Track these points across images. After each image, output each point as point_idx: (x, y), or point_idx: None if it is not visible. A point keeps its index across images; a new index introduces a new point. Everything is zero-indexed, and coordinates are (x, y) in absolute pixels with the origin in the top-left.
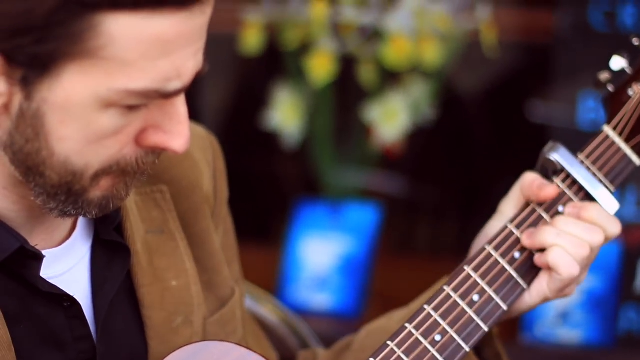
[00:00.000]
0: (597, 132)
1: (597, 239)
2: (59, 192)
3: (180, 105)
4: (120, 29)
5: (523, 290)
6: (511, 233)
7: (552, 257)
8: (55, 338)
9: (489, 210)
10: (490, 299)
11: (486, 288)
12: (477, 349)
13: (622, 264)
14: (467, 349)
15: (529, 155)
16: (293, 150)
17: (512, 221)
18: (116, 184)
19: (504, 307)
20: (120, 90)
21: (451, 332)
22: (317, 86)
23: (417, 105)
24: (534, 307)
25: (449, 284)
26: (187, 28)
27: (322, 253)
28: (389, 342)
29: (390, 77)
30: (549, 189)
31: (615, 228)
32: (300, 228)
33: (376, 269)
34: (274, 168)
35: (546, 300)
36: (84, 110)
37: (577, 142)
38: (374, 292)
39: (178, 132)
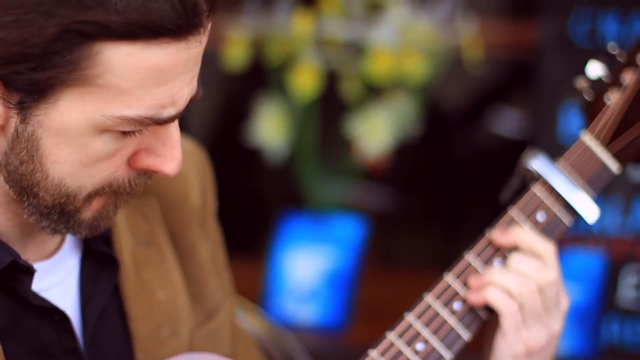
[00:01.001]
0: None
1: (532, 267)
2: (52, 212)
3: (173, 129)
4: (118, 58)
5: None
6: (489, 240)
7: (489, 295)
8: (44, 351)
9: (473, 223)
10: (471, 308)
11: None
12: None
13: (605, 275)
14: (448, 358)
15: (511, 170)
16: (277, 165)
17: (489, 230)
18: (107, 205)
19: (484, 317)
20: (115, 117)
21: (433, 340)
22: (301, 101)
23: (401, 120)
24: None
25: (430, 292)
26: (183, 57)
27: (306, 266)
28: (370, 351)
29: (373, 92)
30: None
31: (543, 247)
32: (285, 241)
33: (361, 281)
34: (258, 182)
35: (514, 356)
36: (79, 134)
37: (558, 156)
38: (360, 304)
39: (171, 156)
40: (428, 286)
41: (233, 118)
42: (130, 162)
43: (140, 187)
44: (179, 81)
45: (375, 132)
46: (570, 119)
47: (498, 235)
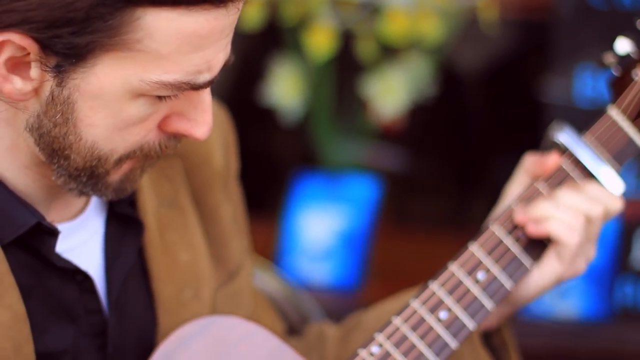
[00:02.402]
0: (602, 113)
1: (595, 209)
2: (82, 174)
3: (205, 94)
4: (158, 24)
5: (526, 268)
6: (513, 211)
7: (551, 228)
8: (67, 311)
9: (487, 184)
10: (495, 277)
11: (491, 266)
12: (486, 335)
13: (619, 237)
14: (471, 327)
15: (526, 131)
16: (292, 125)
17: (516, 200)
18: (135, 168)
19: (509, 285)
20: (152, 82)
21: (456, 309)
22: (316, 61)
23: (416, 81)
24: (549, 288)
25: (454, 262)
26: (222, 24)
27: (320, 225)
28: (393, 318)
29: (389, 53)
30: (550, 160)
31: (615, 204)
32: (299, 200)
33: (375, 242)
34: (273, 142)
35: (560, 279)
36: (115, 98)
37: (574, 119)
38: (374, 264)
39: (202, 120)
40: (442, 247)
41: (248, 78)
42: (162, 125)
43: (170, 151)
44: (216, 47)
45: (390, 93)
46: (585, 80)
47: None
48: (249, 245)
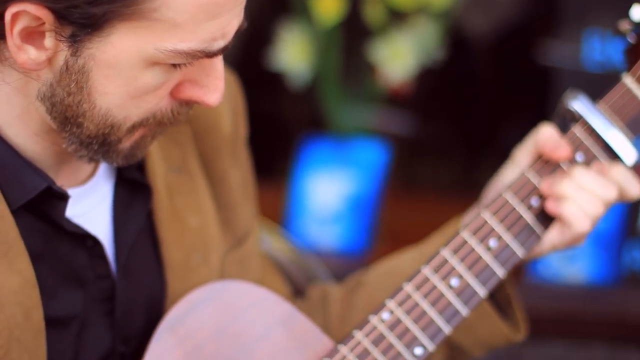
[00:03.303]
0: (611, 77)
1: (612, 196)
2: (94, 142)
3: (218, 61)
4: None
5: (538, 236)
6: (529, 180)
7: (568, 211)
8: (77, 276)
9: (495, 148)
10: (507, 244)
11: (503, 234)
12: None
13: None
14: (482, 294)
15: (534, 96)
16: (300, 90)
17: (530, 168)
18: (146, 135)
19: (520, 253)
20: (168, 50)
21: (468, 276)
22: (324, 26)
23: (424, 45)
24: (543, 255)
25: (466, 228)
26: None
27: (329, 190)
28: (404, 284)
29: (397, 17)
30: (562, 151)
31: (635, 190)
32: (307, 165)
33: (383, 206)
34: (281, 107)
35: (554, 249)
36: (129, 67)
37: (583, 83)
38: (381, 228)
39: (214, 87)
40: (450, 211)
41: (257, 42)
42: (174, 93)
43: (183, 118)
44: (230, 14)
45: (398, 57)
46: (594, 45)
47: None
48: (257, 210)
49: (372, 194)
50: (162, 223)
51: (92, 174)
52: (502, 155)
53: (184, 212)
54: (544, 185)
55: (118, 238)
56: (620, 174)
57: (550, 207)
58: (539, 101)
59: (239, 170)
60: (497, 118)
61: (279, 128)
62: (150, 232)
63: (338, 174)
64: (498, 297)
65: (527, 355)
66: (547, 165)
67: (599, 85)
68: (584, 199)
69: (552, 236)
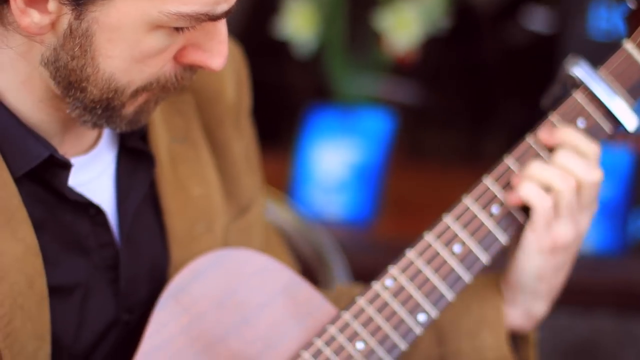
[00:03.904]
0: (618, 47)
1: (590, 175)
2: (97, 106)
3: (221, 25)
4: None
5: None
6: (530, 146)
7: (522, 190)
8: (79, 245)
9: (500, 118)
10: (508, 211)
11: (505, 200)
12: (517, 347)
13: (633, 171)
14: (485, 260)
15: (541, 65)
16: (305, 58)
17: (530, 134)
18: (150, 100)
19: (521, 219)
20: (171, 13)
21: (470, 243)
22: None
23: (430, 14)
24: (538, 264)
25: (468, 196)
26: None
27: (334, 159)
28: (407, 252)
29: None
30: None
31: (591, 175)
32: (313, 135)
33: (388, 176)
34: (286, 76)
35: (540, 250)
36: (133, 30)
37: (589, 52)
38: (387, 197)
39: (218, 51)
40: (455, 180)
41: (262, 11)
42: (177, 57)
43: (187, 82)
44: None
45: (404, 26)
46: (600, 14)
47: (544, 133)
48: (263, 180)
49: (377, 163)
50: (166, 193)
51: (95, 142)
52: (508, 126)
53: (187, 182)
54: (513, 179)
55: (121, 207)
56: (594, 154)
57: (509, 198)
58: (544, 70)
59: (242, 141)
60: (502, 87)
61: (284, 97)
62: (153, 202)
63: (343, 143)
64: (520, 355)
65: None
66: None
67: (605, 54)
68: (543, 172)
69: (525, 236)
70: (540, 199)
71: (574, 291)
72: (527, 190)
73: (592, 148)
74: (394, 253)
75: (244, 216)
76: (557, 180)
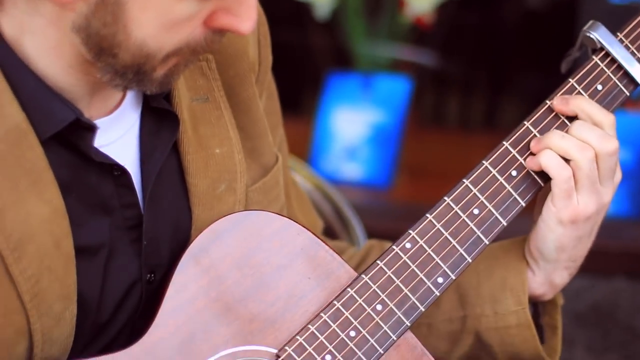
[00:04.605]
0: (636, 11)
1: (607, 146)
2: (129, 71)
3: None
4: None
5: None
6: (551, 110)
7: (542, 157)
8: (103, 205)
9: (518, 84)
10: (528, 174)
11: (524, 163)
12: (537, 313)
13: None
14: (504, 223)
15: (559, 31)
16: (324, 22)
17: (551, 99)
18: (180, 63)
19: (542, 182)
20: None
21: (489, 206)
22: None
23: None
24: (560, 235)
25: (488, 159)
26: None
27: (352, 125)
28: (427, 215)
29: None
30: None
31: (609, 145)
32: (332, 100)
33: (405, 141)
34: (306, 40)
35: (560, 221)
36: None
37: (609, 16)
38: (403, 163)
39: (247, 16)
40: (472, 146)
41: None
42: (207, 22)
43: (216, 45)
44: None
45: None
46: None
47: (559, 103)
48: (284, 137)
49: (395, 128)
50: (188, 152)
51: (119, 103)
52: (525, 91)
53: (209, 141)
54: (532, 143)
55: (144, 167)
56: (610, 127)
57: (530, 164)
58: (564, 35)
59: (264, 99)
60: (521, 52)
61: (304, 60)
62: (176, 162)
63: (363, 109)
64: (544, 321)
65: None
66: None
67: (624, 18)
68: (562, 142)
69: (546, 206)
70: (560, 168)
71: (590, 255)
72: (547, 159)
73: (607, 118)
74: (410, 217)
75: (266, 175)
76: (574, 150)
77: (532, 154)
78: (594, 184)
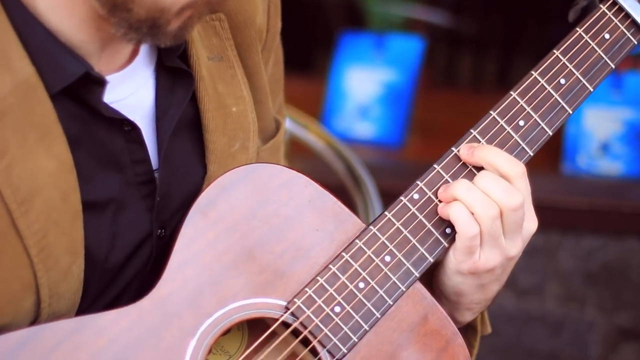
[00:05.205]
0: None
1: (511, 201)
2: (143, 25)
3: None
4: None
5: (566, 112)
6: (558, 59)
7: (451, 210)
8: (114, 161)
9: (531, 43)
10: (537, 123)
11: (532, 113)
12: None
13: None
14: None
15: None
16: None
17: (558, 48)
18: (193, 15)
19: (550, 130)
20: None
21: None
22: None
23: None
24: (454, 285)
25: (495, 110)
26: None
27: (365, 84)
28: (435, 166)
29: None
30: None
31: (512, 200)
32: (344, 59)
33: (417, 100)
34: (319, 2)
35: (459, 271)
36: None
37: None
38: (415, 122)
39: None
40: (484, 105)
41: None
42: None
43: None
44: None
45: None
46: None
47: (464, 152)
48: (283, 104)
49: (407, 88)
50: (208, 109)
51: (130, 60)
52: (538, 49)
53: (226, 100)
54: (440, 190)
55: (159, 124)
56: (521, 182)
57: (440, 210)
58: None
59: (270, 64)
60: (534, 12)
61: (316, 19)
62: (192, 119)
63: (375, 68)
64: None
65: (563, 248)
66: (575, 43)
67: None
68: (469, 196)
69: (449, 257)
70: (466, 225)
71: (603, 214)
72: (455, 212)
73: (514, 168)
74: (421, 175)
75: (271, 139)
76: (479, 206)
77: (540, 102)
78: (497, 239)
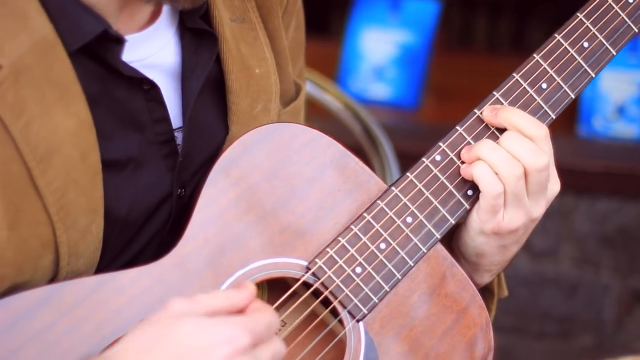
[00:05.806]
0: None
1: (537, 161)
2: None
3: None
4: None
5: (592, 78)
6: (581, 22)
7: (475, 170)
8: (133, 120)
9: (546, 6)
10: (559, 86)
11: (555, 76)
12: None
13: None
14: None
15: None
16: None
17: (581, 12)
18: None
19: (572, 93)
20: None
21: None
22: None
23: None
24: (477, 246)
25: (518, 72)
26: None
27: (380, 45)
28: (457, 127)
29: None
30: None
31: (539, 161)
32: (360, 20)
33: (433, 62)
34: None
35: (482, 231)
36: None
37: None
38: (430, 84)
39: None
40: (500, 67)
41: None
42: None
43: None
44: None
45: None
46: None
47: (488, 114)
48: (304, 67)
49: (423, 49)
50: (232, 70)
51: (152, 21)
52: (555, 12)
53: (249, 61)
54: (464, 151)
55: (185, 84)
56: (544, 141)
57: (463, 172)
58: None
59: (293, 30)
60: None
61: None
62: (216, 80)
63: (390, 30)
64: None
65: (578, 210)
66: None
67: None
68: (493, 155)
69: (472, 216)
70: (491, 184)
71: (618, 177)
72: (479, 172)
73: (538, 130)
74: (437, 138)
75: (292, 102)
76: (503, 165)
77: (564, 64)
78: (520, 199)
